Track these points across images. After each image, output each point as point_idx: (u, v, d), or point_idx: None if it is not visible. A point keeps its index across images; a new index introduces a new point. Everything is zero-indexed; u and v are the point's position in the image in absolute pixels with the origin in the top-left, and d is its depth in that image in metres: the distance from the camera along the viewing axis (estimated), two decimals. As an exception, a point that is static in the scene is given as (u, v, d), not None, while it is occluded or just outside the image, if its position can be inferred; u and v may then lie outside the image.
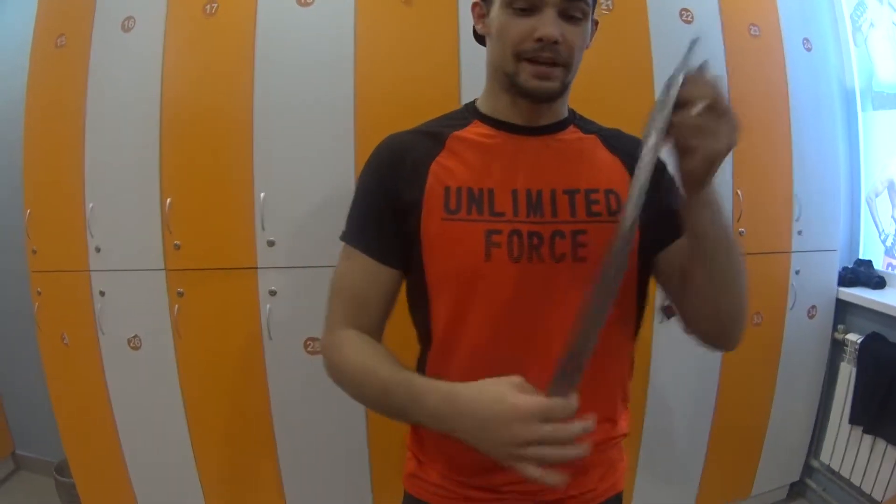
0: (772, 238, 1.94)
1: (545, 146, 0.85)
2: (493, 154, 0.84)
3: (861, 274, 2.13)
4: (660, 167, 0.89)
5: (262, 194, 1.68)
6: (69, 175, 1.81)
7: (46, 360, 1.94)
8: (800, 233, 1.96)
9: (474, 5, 0.86)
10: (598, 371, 0.84)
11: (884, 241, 2.25)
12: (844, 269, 2.17)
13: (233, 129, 1.71)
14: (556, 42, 0.76)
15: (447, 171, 0.83)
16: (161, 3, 1.76)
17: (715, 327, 0.82)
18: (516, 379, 0.66)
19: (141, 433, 1.85)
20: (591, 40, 0.84)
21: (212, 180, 1.72)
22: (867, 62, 2.29)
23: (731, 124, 0.65)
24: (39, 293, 1.92)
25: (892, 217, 2.22)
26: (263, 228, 1.68)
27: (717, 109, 0.64)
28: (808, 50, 2.02)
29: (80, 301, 1.83)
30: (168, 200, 1.73)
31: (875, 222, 2.28)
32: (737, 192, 1.84)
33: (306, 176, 1.69)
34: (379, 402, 0.77)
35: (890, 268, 2.23)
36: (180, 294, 1.74)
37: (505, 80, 0.82)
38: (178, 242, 1.73)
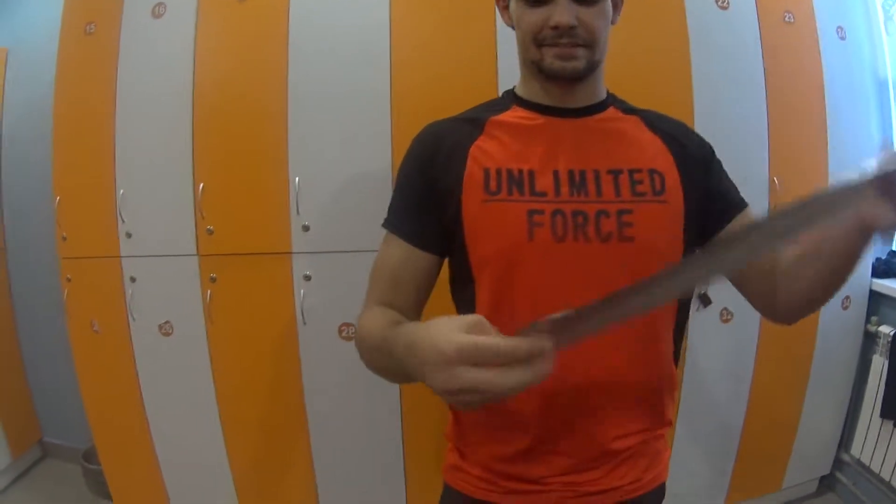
0: (808, 227, 1.92)
1: (585, 127, 0.86)
2: (532, 136, 0.84)
3: (894, 265, 2.11)
4: (709, 151, 0.90)
5: (297, 178, 1.67)
6: (99, 161, 1.81)
7: (76, 347, 1.94)
8: (835, 222, 1.93)
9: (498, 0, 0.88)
10: (644, 360, 0.85)
11: (917, 233, 2.23)
12: (878, 259, 2.15)
13: (267, 115, 1.70)
14: (572, 27, 0.77)
15: (486, 153, 0.83)
16: (193, -12, 1.76)
17: (803, 307, 0.84)
18: (472, 318, 0.58)
19: (171, 420, 1.85)
20: (618, 16, 0.85)
21: (245, 165, 1.72)
22: (899, 52, 2.26)
23: None
24: (69, 280, 1.92)
25: (925, 208, 2.20)
26: (298, 213, 1.67)
27: None
28: (842, 38, 2.00)
29: (110, 287, 1.83)
30: (201, 185, 1.72)
31: (908, 213, 2.26)
32: (773, 180, 1.82)
33: (341, 161, 1.68)
34: (381, 363, 0.75)
35: (923, 259, 2.20)
36: (213, 279, 1.73)
37: (532, 66, 0.84)
38: (210, 227, 1.72)
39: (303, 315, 1.69)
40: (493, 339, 0.54)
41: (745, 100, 1.81)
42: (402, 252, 0.85)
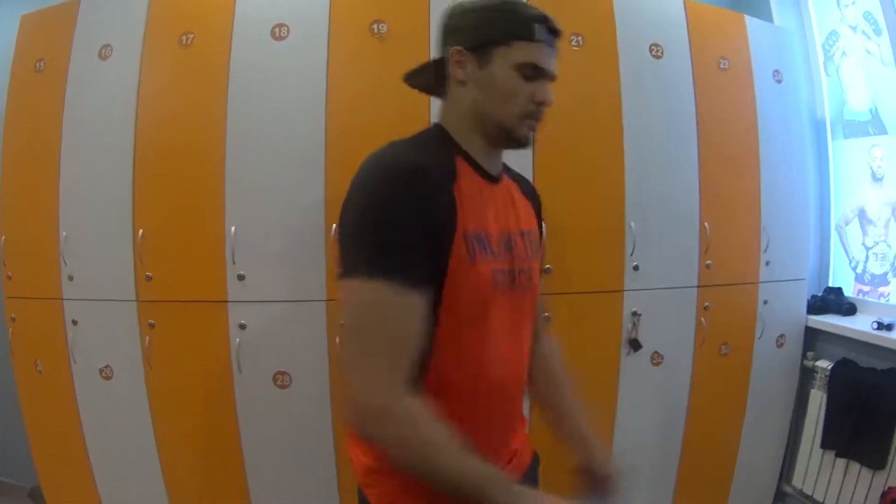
0: (739, 269, 1.96)
1: (500, 193, 0.95)
2: (482, 200, 0.90)
3: (831, 302, 2.16)
4: (539, 206, 1.06)
5: (232, 228, 1.69)
6: (44, 202, 1.82)
7: (21, 386, 1.94)
8: (767, 263, 1.98)
9: (456, 52, 0.88)
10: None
11: (854, 268, 2.28)
12: (813, 297, 2.20)
13: (205, 162, 1.72)
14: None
15: (464, 213, 0.85)
16: (138, 32, 1.78)
17: None
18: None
19: (112, 462, 1.86)
20: None
21: (184, 213, 1.73)
22: (839, 91, 2.32)
23: None
24: (13, 319, 1.92)
25: (863, 244, 2.25)
26: (234, 262, 1.69)
27: None
28: (779, 82, 2.05)
29: (53, 329, 1.83)
30: (140, 231, 1.74)
31: (845, 250, 2.31)
32: (703, 225, 1.87)
33: (277, 210, 1.70)
34: (451, 483, 0.79)
35: (861, 294, 2.26)
36: (151, 325, 1.74)
37: (496, 130, 0.89)
38: (149, 274, 1.73)
39: (238, 362, 1.71)
40: None
41: (677, 146, 1.85)
42: (414, 308, 0.78)
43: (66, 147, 1.81)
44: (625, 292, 1.80)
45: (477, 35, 0.88)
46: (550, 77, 0.89)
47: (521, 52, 0.86)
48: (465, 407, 0.90)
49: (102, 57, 1.81)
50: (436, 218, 0.79)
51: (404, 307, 0.77)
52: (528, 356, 1.03)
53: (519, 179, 1.04)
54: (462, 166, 0.89)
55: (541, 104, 0.88)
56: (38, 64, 1.88)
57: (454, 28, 0.91)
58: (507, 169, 1.01)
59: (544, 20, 0.88)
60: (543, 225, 1.08)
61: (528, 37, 0.86)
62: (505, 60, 0.86)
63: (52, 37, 1.86)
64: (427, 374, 0.84)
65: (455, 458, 0.78)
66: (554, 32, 0.89)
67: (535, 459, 1.08)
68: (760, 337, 2.01)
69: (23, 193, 1.88)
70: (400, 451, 0.79)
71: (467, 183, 0.87)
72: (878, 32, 2.19)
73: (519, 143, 0.91)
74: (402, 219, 0.78)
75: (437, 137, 0.91)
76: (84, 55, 1.81)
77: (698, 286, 1.89)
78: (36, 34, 1.90)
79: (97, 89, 1.80)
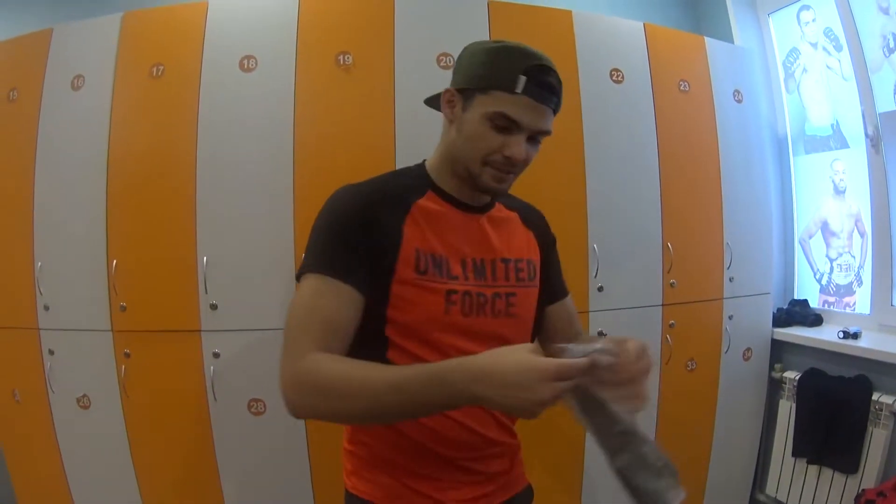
0: (704, 286, 2.01)
1: (483, 221, 0.99)
2: (446, 225, 0.95)
3: (796, 314, 2.21)
4: (553, 242, 1.10)
5: (204, 258, 1.72)
6: (18, 232, 1.84)
7: (-1, 415, 1.96)
8: (731, 279, 2.03)
9: (447, 92, 0.94)
10: None
11: (819, 280, 2.34)
12: (779, 309, 2.25)
13: (176, 192, 1.75)
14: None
15: (415, 234, 0.91)
16: (110, 63, 1.81)
17: None
18: (530, 345, 0.73)
19: (92, 491, 1.87)
20: None
21: (156, 243, 1.76)
22: (800, 107, 2.38)
23: None
24: (-11, 349, 1.94)
25: (827, 256, 2.31)
26: (206, 292, 1.72)
27: None
28: (739, 101, 2.11)
29: (30, 359, 1.85)
30: (114, 262, 1.76)
31: (809, 262, 2.37)
32: (667, 245, 1.91)
33: (247, 240, 1.73)
34: (378, 405, 0.76)
35: (826, 305, 2.31)
36: (127, 355, 1.76)
37: (464, 172, 0.94)
38: (123, 304, 1.76)
39: (213, 391, 1.74)
40: (572, 360, 0.71)
41: (638, 169, 1.90)
42: (338, 294, 0.85)
43: (41, 177, 1.83)
44: (590, 313, 1.85)
45: (466, 79, 0.90)
46: (531, 131, 0.87)
47: (497, 102, 0.86)
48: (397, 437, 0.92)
49: (75, 87, 1.83)
50: (369, 232, 0.87)
51: (324, 293, 0.85)
52: None
53: (521, 208, 1.06)
54: (430, 195, 0.96)
55: (508, 158, 0.88)
56: (11, 93, 1.90)
57: (457, 68, 0.94)
58: (509, 197, 1.05)
59: (535, 73, 0.85)
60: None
61: (508, 88, 0.85)
62: (481, 108, 0.87)
63: (25, 66, 1.88)
64: None
65: (377, 382, 0.76)
66: (545, 87, 0.86)
67: None
68: (727, 351, 2.05)
69: (-3, 223, 1.90)
70: (312, 403, 0.79)
71: (430, 209, 0.94)
72: (838, 48, 2.26)
73: (482, 189, 0.93)
74: (334, 227, 0.89)
75: (414, 170, 1.01)
76: (57, 85, 1.84)
77: (663, 305, 1.94)
78: (9, 63, 1.92)
79: (70, 119, 1.82)
